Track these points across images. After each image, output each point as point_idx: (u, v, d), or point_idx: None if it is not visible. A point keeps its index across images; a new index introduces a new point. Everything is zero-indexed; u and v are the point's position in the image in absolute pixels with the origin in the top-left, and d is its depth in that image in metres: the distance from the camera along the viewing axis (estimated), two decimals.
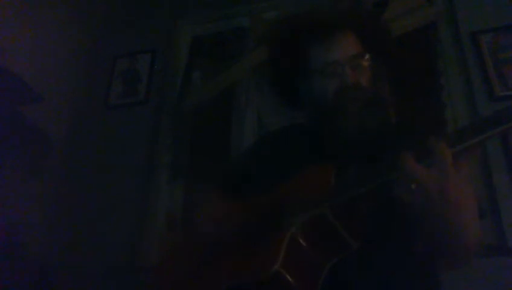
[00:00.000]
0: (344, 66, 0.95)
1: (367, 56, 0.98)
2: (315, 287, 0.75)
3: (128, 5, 2.63)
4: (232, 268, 0.82)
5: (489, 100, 1.79)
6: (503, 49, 1.86)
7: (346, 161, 0.86)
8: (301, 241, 0.77)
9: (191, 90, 2.35)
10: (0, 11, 1.99)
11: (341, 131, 0.94)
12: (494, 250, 1.54)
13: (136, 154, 2.18)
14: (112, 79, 2.44)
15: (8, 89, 1.92)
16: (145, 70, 2.41)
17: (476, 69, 1.87)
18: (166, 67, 2.40)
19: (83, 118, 2.37)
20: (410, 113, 1.85)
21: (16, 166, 1.98)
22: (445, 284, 0.89)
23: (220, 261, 0.86)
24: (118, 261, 1.90)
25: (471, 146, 0.64)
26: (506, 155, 1.66)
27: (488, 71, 1.83)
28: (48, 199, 2.13)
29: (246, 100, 2.23)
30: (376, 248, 0.80)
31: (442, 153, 0.64)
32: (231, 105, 2.25)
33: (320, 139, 0.98)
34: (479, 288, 1.46)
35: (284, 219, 0.80)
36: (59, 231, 2.06)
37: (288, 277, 0.73)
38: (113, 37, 2.58)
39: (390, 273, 0.81)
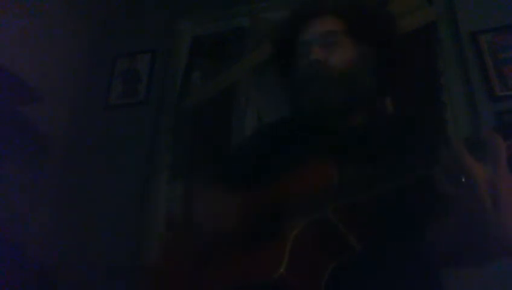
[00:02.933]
0: (311, 44, 0.98)
1: (338, 33, 0.99)
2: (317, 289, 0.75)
3: (128, 5, 2.63)
4: (233, 271, 0.81)
5: (489, 100, 1.78)
6: (503, 49, 1.86)
7: (345, 158, 0.84)
8: (304, 243, 0.76)
9: (191, 90, 2.34)
10: (0, 11, 1.99)
11: (306, 107, 0.97)
12: None
13: (136, 154, 2.18)
14: (112, 79, 2.43)
15: (8, 89, 1.91)
16: (145, 70, 2.40)
17: (476, 69, 1.87)
18: (166, 67, 2.40)
19: (83, 118, 2.37)
20: (410, 109, 1.85)
21: (16, 166, 1.97)
22: (445, 284, 0.89)
23: (220, 262, 0.85)
24: (118, 261, 1.90)
25: None
26: (506, 156, 1.66)
27: (488, 71, 1.83)
28: (48, 199, 2.13)
29: (246, 100, 2.23)
30: (380, 251, 0.79)
31: (497, 145, 0.61)
32: (231, 105, 2.25)
33: (318, 135, 0.98)
34: (479, 288, 1.46)
35: (285, 220, 0.79)
36: (59, 231, 2.06)
37: (292, 280, 0.72)
38: (113, 37, 2.58)
39: (394, 275, 0.80)
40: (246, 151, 1.14)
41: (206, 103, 2.30)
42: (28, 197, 2.01)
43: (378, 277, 0.79)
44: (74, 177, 2.20)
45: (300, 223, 0.77)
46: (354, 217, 0.77)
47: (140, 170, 2.14)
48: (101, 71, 2.47)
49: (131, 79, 2.41)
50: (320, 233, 0.77)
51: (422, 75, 1.98)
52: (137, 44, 2.50)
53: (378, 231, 0.77)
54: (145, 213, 2.04)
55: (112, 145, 2.24)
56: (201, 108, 2.30)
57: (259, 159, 1.02)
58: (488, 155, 0.62)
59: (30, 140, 2.08)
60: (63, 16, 2.38)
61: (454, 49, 1.97)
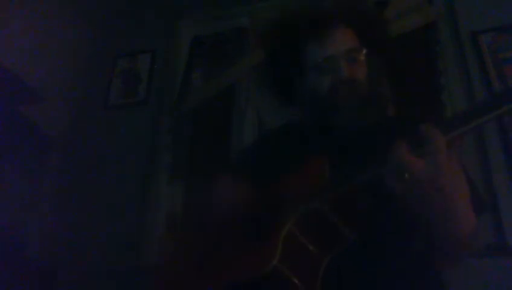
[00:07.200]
0: (339, 61, 0.94)
1: (363, 50, 0.97)
2: (315, 281, 0.75)
3: (128, 5, 2.63)
4: (231, 265, 0.82)
5: None
6: (503, 49, 1.86)
7: (342, 155, 0.85)
8: (298, 235, 0.77)
9: (191, 90, 2.34)
10: (0, 11, 1.99)
11: (337, 126, 0.94)
12: (494, 250, 1.54)
13: (136, 154, 2.18)
14: (112, 79, 2.44)
15: (8, 89, 1.92)
16: (145, 70, 2.41)
17: (476, 69, 1.87)
18: (166, 67, 2.40)
19: (83, 118, 2.37)
20: (410, 109, 1.85)
21: (16, 166, 1.98)
22: (445, 284, 0.89)
23: (219, 258, 0.85)
24: (118, 261, 1.90)
25: (465, 133, 0.61)
26: (506, 155, 1.66)
27: (488, 71, 1.83)
28: (48, 199, 2.13)
29: (246, 100, 2.23)
30: (375, 241, 0.80)
31: (436, 140, 0.61)
32: (231, 105, 2.25)
33: (318, 136, 0.98)
34: (479, 288, 1.46)
35: (281, 213, 0.80)
36: (59, 231, 2.06)
37: (287, 272, 0.73)
38: (113, 37, 2.58)
39: (390, 266, 0.81)
40: (250, 156, 1.14)
41: (206, 103, 2.30)
42: (28, 198, 2.01)
43: (374, 268, 0.80)
44: (74, 177, 2.21)
45: (293, 217, 0.77)
46: (347, 208, 0.77)
47: (140, 170, 2.14)
48: (101, 71, 2.47)
49: (131, 79, 2.42)
50: (315, 225, 0.77)
51: (422, 75, 1.98)
52: (137, 44, 2.51)
53: (373, 223, 0.78)
54: (145, 213, 2.05)
55: (111, 145, 2.24)
56: (201, 108, 2.31)
57: (263, 163, 1.02)
58: (427, 150, 0.61)
59: (30, 140, 2.08)
60: (63, 16, 2.38)
61: (454, 49, 1.97)
